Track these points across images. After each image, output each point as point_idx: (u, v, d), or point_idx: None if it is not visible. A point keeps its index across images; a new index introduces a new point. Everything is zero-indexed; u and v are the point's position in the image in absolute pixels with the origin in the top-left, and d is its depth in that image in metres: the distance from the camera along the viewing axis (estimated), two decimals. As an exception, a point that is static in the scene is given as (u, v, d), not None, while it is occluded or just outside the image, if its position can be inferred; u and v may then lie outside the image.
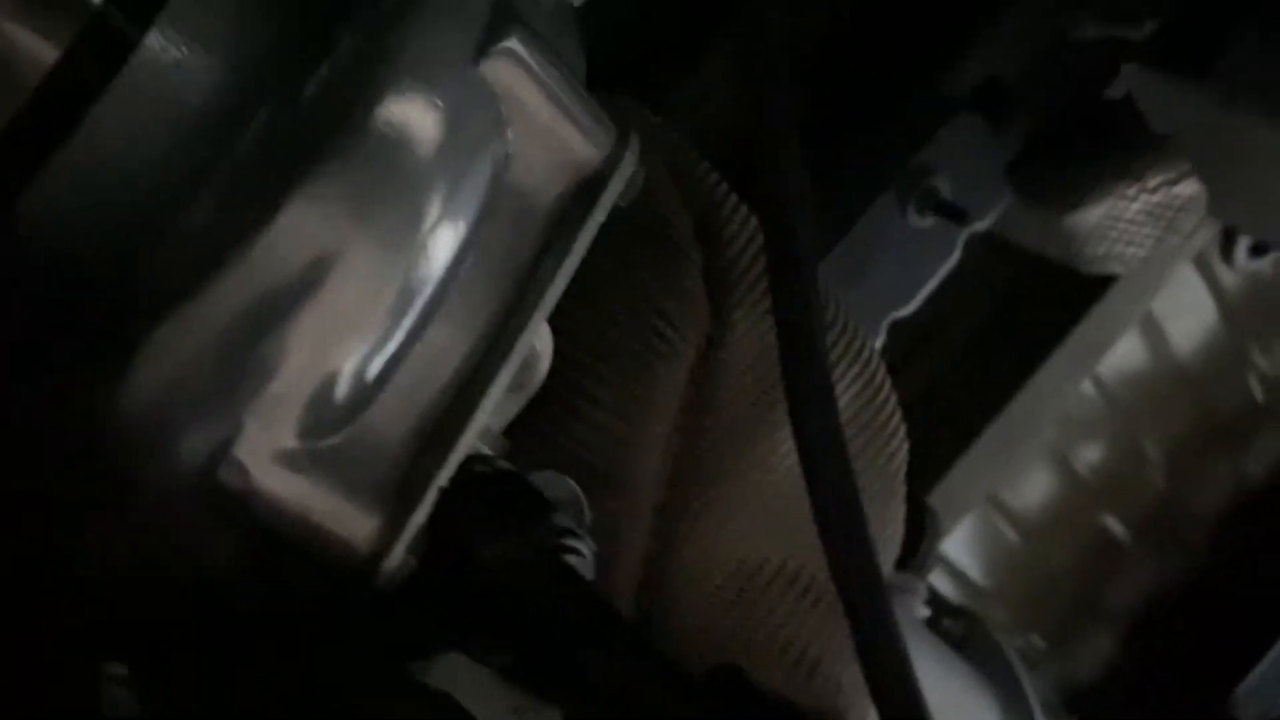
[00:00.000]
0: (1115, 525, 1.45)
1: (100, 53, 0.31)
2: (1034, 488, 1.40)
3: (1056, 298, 1.09)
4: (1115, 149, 0.87)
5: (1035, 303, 1.12)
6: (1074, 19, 0.85)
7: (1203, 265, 1.28)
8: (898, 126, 0.82)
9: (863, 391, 0.45)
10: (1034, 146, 0.87)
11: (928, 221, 0.83)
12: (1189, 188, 0.86)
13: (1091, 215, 0.88)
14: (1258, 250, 1.16)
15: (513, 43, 0.34)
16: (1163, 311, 1.28)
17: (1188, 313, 1.31)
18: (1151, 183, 0.85)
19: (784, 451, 0.44)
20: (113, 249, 0.32)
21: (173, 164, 0.32)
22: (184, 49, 0.32)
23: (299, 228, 0.32)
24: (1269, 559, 1.46)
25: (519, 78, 0.35)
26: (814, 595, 0.45)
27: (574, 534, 0.35)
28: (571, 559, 0.35)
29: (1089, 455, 1.42)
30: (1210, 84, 0.84)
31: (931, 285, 0.88)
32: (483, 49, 0.33)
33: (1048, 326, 1.14)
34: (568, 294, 0.37)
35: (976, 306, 1.02)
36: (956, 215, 0.82)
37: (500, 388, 0.35)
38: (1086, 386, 1.32)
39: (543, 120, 0.36)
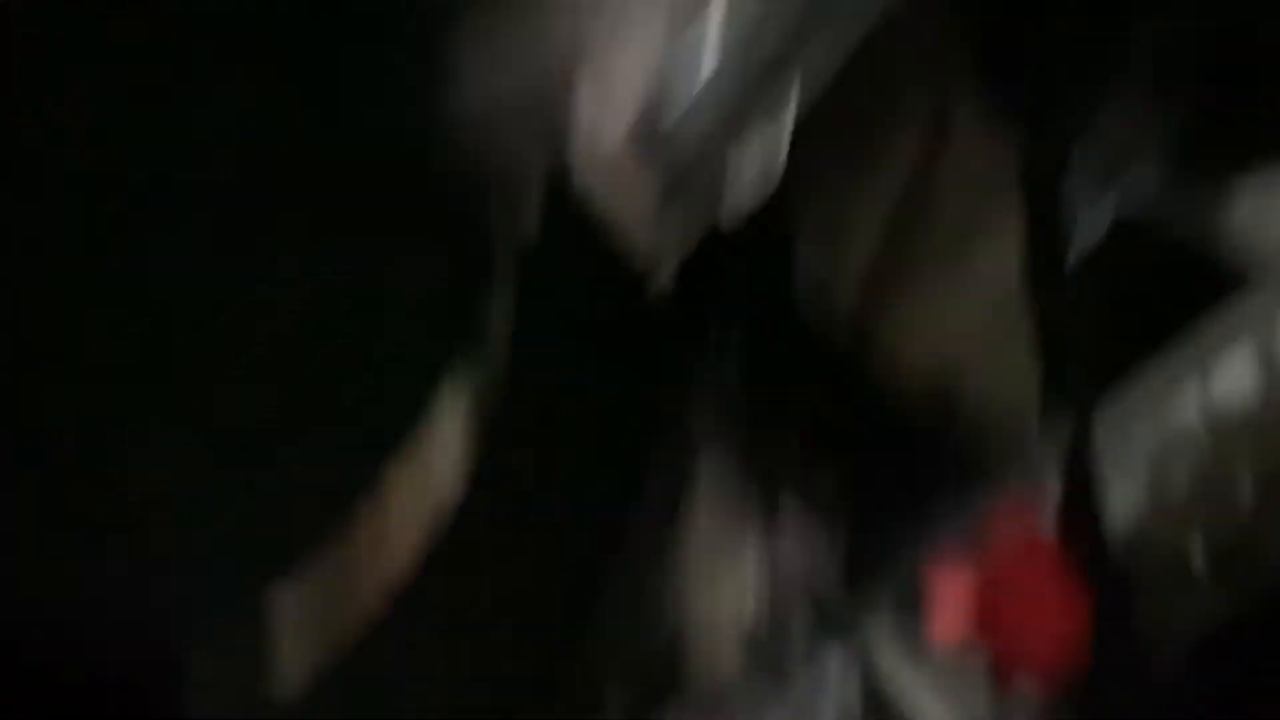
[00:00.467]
0: (1194, 547, 1.46)
1: None
2: (1124, 493, 1.41)
3: (1185, 296, 1.11)
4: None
5: (1162, 297, 1.14)
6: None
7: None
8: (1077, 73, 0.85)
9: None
10: (1201, 124, 0.90)
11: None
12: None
13: (1247, 205, 0.90)
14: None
15: None
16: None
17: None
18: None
19: (982, 275, 0.48)
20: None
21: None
22: None
23: None
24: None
25: None
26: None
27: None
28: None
29: (1182, 473, 1.43)
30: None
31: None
32: None
33: (1169, 324, 1.16)
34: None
35: (1108, 277, 1.05)
36: (1111, 172, 0.85)
37: (762, 147, 0.40)
38: (1192, 403, 1.33)
39: None
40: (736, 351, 0.37)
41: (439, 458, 0.31)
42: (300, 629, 0.35)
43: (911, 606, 0.33)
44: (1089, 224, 0.84)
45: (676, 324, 0.38)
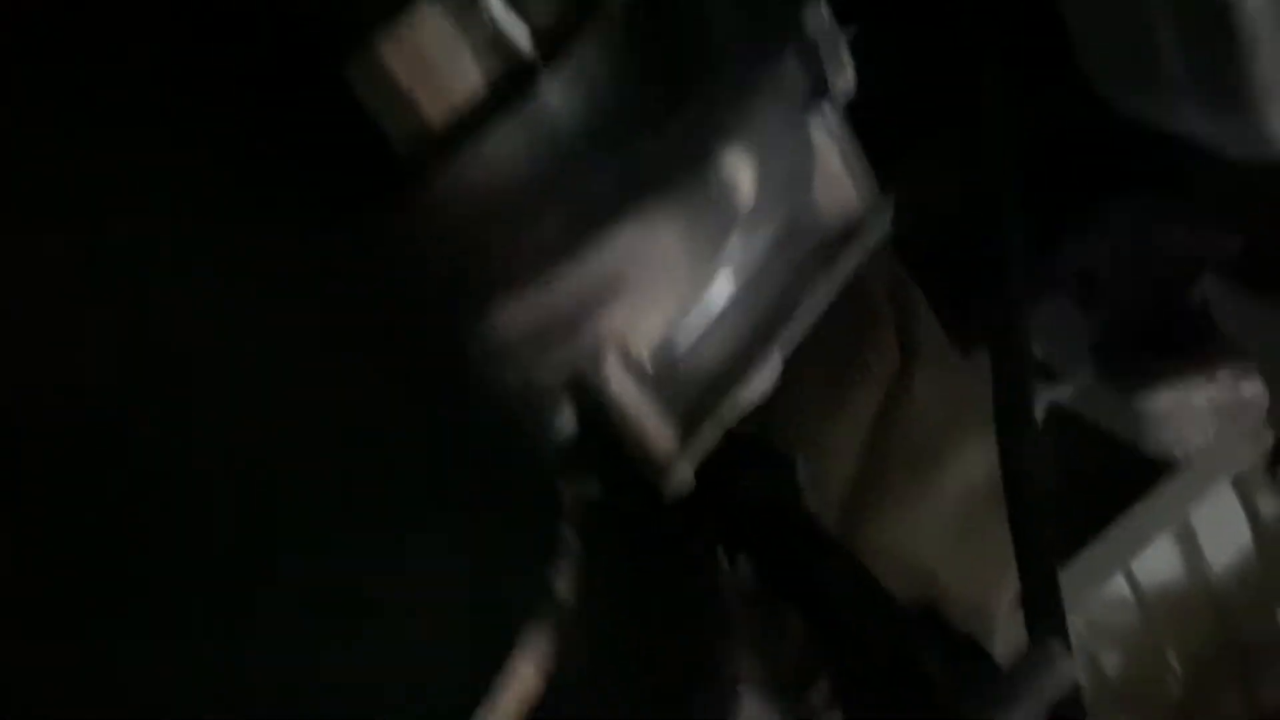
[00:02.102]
0: (1132, 731, 1.49)
1: (516, 84, 0.42)
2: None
3: (1110, 482, 1.18)
4: (1191, 344, 0.97)
5: (1090, 485, 1.20)
6: (1167, 231, 0.97)
7: (1243, 489, 1.37)
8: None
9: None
10: (1118, 332, 0.98)
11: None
12: (1253, 389, 0.96)
13: (1162, 401, 0.97)
14: (1301, 472, 1.25)
15: (825, 110, 0.45)
16: (1200, 526, 1.36)
17: (1224, 532, 1.39)
18: (1220, 379, 0.95)
19: (962, 468, 0.55)
20: (481, 237, 0.42)
21: (538, 177, 0.43)
22: (574, 90, 0.43)
23: (629, 240, 0.43)
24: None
25: (827, 140, 0.46)
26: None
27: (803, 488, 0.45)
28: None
29: (1114, 656, 1.47)
30: (1280, 305, 0.95)
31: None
32: (806, 110, 0.45)
33: (1097, 511, 1.22)
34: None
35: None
36: (1045, 374, 0.92)
37: (759, 374, 0.46)
38: (1121, 586, 1.39)
39: (836, 174, 0.47)
40: (747, 551, 0.42)
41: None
42: None
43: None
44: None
45: (691, 527, 0.43)
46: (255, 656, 0.33)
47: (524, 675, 0.36)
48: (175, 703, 0.32)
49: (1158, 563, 1.41)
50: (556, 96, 0.42)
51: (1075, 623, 1.36)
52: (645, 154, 0.42)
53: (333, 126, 0.41)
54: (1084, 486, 1.18)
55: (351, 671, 0.33)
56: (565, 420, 0.42)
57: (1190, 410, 0.97)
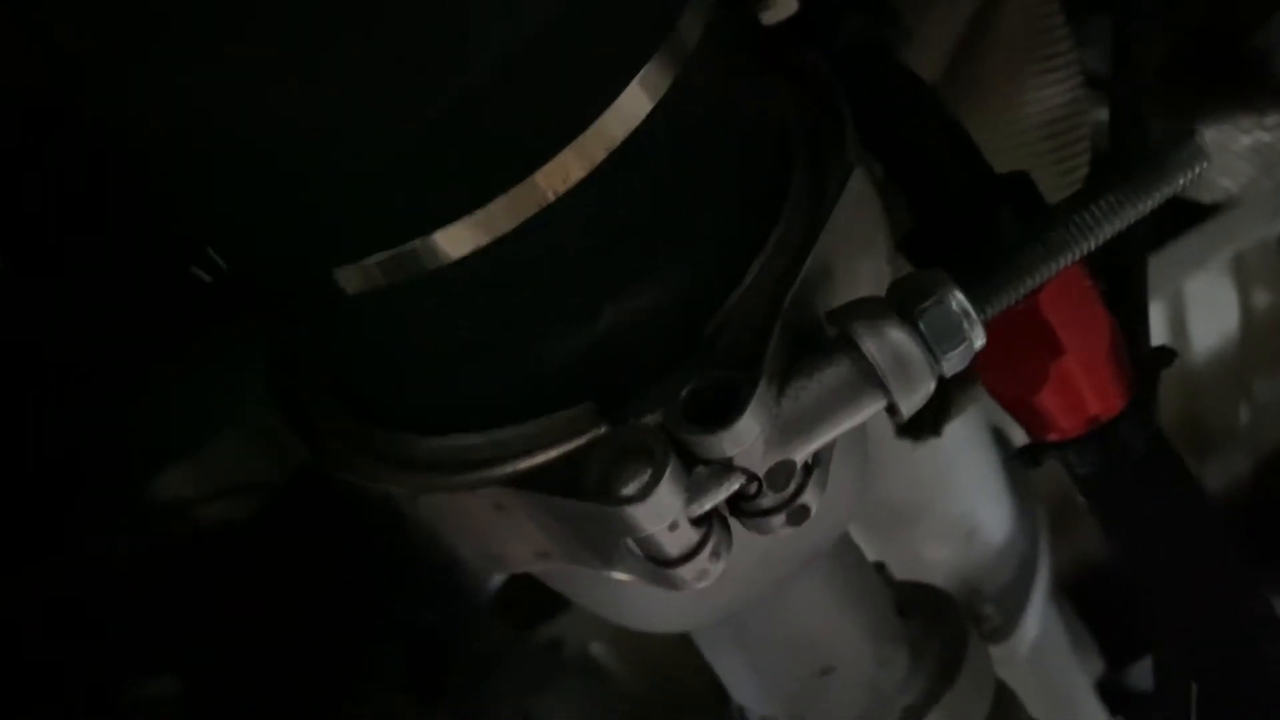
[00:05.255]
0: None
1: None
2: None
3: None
4: (1249, 82, 0.95)
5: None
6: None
7: (1240, 273, 1.36)
8: None
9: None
10: (1177, 56, 0.95)
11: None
12: (1298, 138, 0.93)
13: (1207, 134, 0.95)
14: (1313, 252, 1.24)
15: None
16: (1191, 302, 1.36)
17: (1212, 312, 1.39)
18: (1269, 122, 0.93)
19: (1033, 100, 0.53)
20: None
21: None
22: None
23: None
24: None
25: None
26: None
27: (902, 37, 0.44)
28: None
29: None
30: (1351, 48, 0.92)
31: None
32: None
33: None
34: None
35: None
36: (1097, 84, 0.89)
37: None
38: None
39: None
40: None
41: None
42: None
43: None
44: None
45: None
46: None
47: (635, 97, 0.35)
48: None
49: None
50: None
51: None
52: None
53: None
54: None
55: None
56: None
57: (1231, 150, 0.95)
